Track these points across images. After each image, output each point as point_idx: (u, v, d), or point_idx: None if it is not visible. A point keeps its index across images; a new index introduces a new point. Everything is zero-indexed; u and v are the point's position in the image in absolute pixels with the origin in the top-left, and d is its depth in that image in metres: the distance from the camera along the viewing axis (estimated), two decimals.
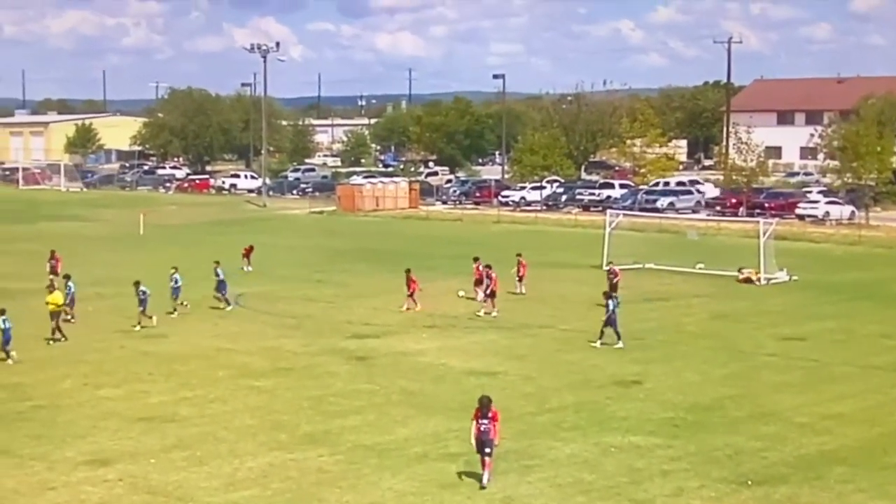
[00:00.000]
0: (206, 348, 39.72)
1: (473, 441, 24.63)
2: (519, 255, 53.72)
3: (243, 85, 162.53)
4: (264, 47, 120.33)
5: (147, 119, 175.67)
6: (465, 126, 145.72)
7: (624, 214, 75.05)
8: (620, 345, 39.73)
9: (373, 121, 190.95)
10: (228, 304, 48.85)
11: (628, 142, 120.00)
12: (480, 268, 49.72)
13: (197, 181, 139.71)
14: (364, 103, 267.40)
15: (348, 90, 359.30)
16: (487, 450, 24.36)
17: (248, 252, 62.11)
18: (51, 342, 40.45)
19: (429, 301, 48.37)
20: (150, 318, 44.57)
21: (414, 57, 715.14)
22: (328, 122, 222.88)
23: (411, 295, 47.67)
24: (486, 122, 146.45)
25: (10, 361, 37.40)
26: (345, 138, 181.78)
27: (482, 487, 24.25)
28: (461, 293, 50.37)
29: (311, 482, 24.93)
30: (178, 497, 23.91)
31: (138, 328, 43.77)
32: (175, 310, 47.16)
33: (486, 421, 24.40)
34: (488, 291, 47.13)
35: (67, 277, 46.14)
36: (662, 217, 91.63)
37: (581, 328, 43.83)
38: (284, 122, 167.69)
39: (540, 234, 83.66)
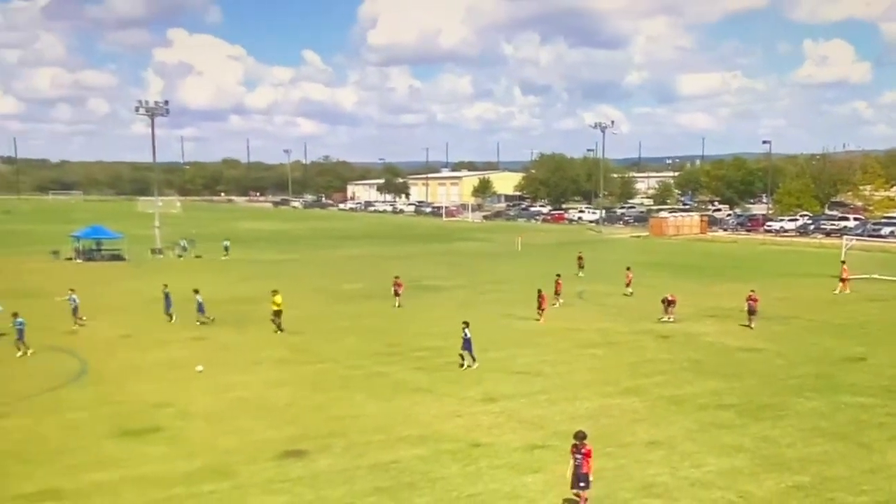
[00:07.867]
0: (558, 328, 39.99)
1: (569, 475, 18.07)
2: (628, 268, 52.00)
3: (588, 150, 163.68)
4: (603, 124, 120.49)
5: (525, 174, 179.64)
6: (740, 177, 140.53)
7: (857, 239, 72.82)
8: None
9: (676, 174, 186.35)
10: (209, 319, 40.36)
11: (860, 187, 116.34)
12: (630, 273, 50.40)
13: (555, 215, 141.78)
14: (670, 162, 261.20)
15: (660, 153, 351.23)
16: (582, 484, 17.90)
17: (579, 259, 62.75)
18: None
19: (711, 298, 46.86)
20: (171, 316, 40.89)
21: (706, 129, 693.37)
22: (645, 174, 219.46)
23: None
24: (756, 174, 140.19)
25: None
26: (656, 185, 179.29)
27: None
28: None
29: (628, 420, 24.81)
30: (540, 425, 24.31)
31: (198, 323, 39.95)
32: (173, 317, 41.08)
33: (579, 456, 17.88)
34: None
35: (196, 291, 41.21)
36: (885, 241, 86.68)
37: (821, 319, 41.55)
38: (615, 175, 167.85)
39: (793, 253, 79.37)
